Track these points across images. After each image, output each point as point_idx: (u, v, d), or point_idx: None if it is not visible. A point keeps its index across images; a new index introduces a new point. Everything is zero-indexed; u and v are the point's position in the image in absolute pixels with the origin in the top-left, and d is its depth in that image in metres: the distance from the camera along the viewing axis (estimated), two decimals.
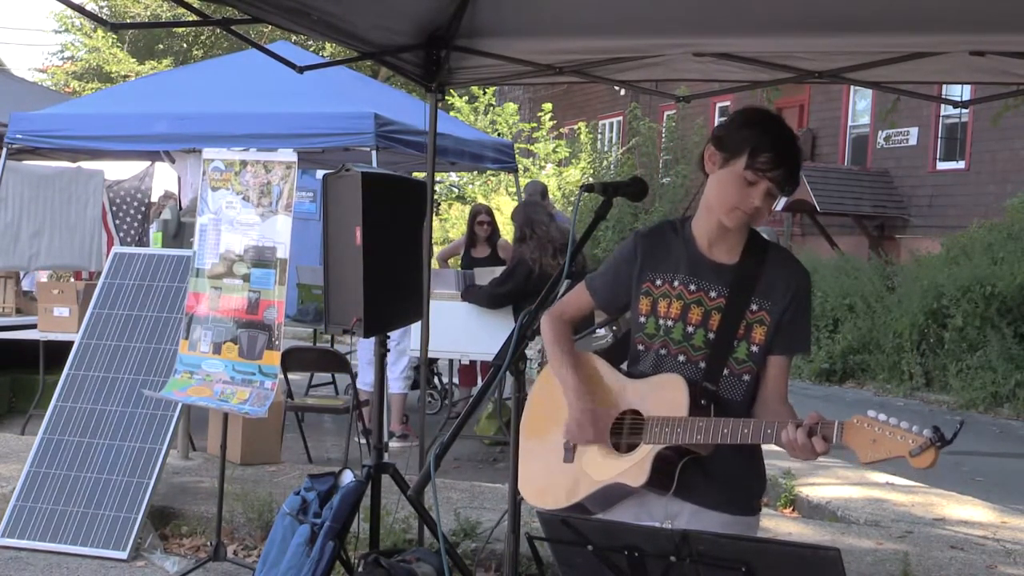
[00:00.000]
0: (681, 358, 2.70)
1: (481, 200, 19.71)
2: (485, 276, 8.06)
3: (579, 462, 2.74)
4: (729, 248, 2.72)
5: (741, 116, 2.70)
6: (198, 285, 5.05)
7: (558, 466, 2.77)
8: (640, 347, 2.78)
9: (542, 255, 7.36)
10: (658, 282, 2.75)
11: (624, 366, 2.85)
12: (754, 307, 2.68)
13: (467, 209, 20.15)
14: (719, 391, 2.67)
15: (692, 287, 2.71)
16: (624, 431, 2.69)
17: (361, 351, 8.08)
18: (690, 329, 2.69)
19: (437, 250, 11.12)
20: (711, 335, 2.68)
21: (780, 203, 17.10)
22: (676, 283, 2.72)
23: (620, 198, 2.69)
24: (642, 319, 2.76)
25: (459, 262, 9.49)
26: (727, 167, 2.63)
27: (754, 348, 2.69)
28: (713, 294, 2.70)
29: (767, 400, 2.71)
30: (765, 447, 2.67)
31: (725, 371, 2.68)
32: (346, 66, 8.12)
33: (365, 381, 7.53)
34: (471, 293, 7.67)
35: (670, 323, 2.71)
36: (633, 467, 2.63)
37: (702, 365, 2.68)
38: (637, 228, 2.62)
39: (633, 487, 2.64)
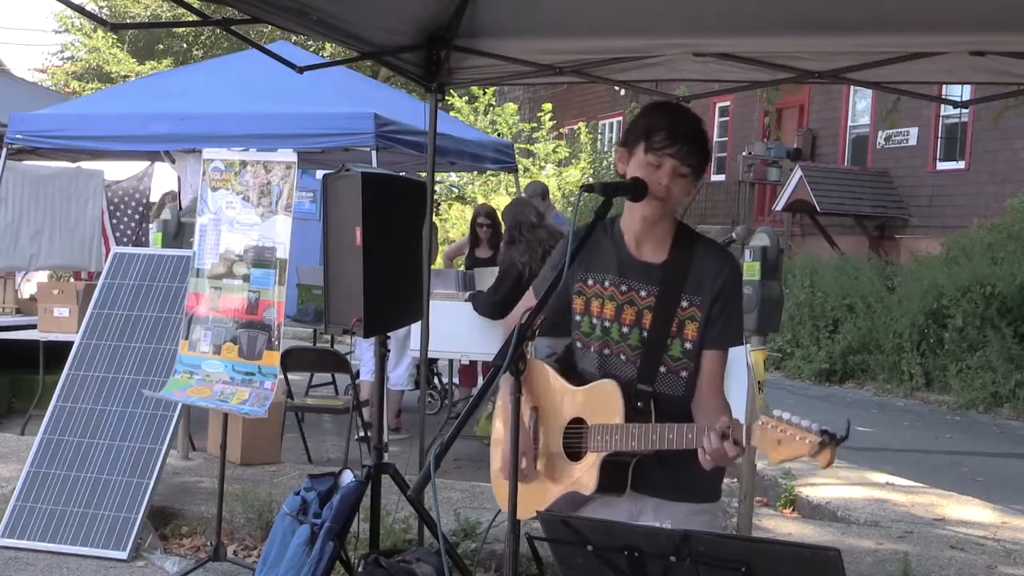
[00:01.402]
0: (622, 357, 2.73)
1: (481, 200, 19.70)
2: (486, 276, 8.04)
3: (541, 475, 2.78)
4: (657, 245, 2.74)
5: (639, 111, 2.77)
6: (198, 285, 5.05)
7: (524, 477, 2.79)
8: (579, 344, 2.82)
9: (531, 258, 7.22)
10: (590, 282, 2.79)
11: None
12: (684, 304, 2.70)
13: (467, 209, 20.17)
14: (655, 390, 2.69)
15: (623, 288, 2.74)
16: (576, 438, 2.72)
17: (362, 349, 8.07)
18: (625, 329, 2.73)
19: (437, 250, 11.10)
20: (645, 334, 2.71)
21: (780, 203, 17.13)
22: (607, 284, 2.76)
23: (620, 198, 2.69)
24: (577, 317, 2.81)
25: (461, 262, 9.49)
26: (632, 160, 2.68)
27: (688, 345, 2.71)
28: (643, 293, 2.72)
29: (701, 395, 2.72)
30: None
31: (662, 368, 2.70)
32: (346, 66, 8.12)
33: (366, 374, 7.51)
34: (475, 301, 7.62)
35: (607, 324, 2.75)
36: (582, 476, 2.67)
37: (639, 363, 2.71)
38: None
39: (585, 495, 2.67)
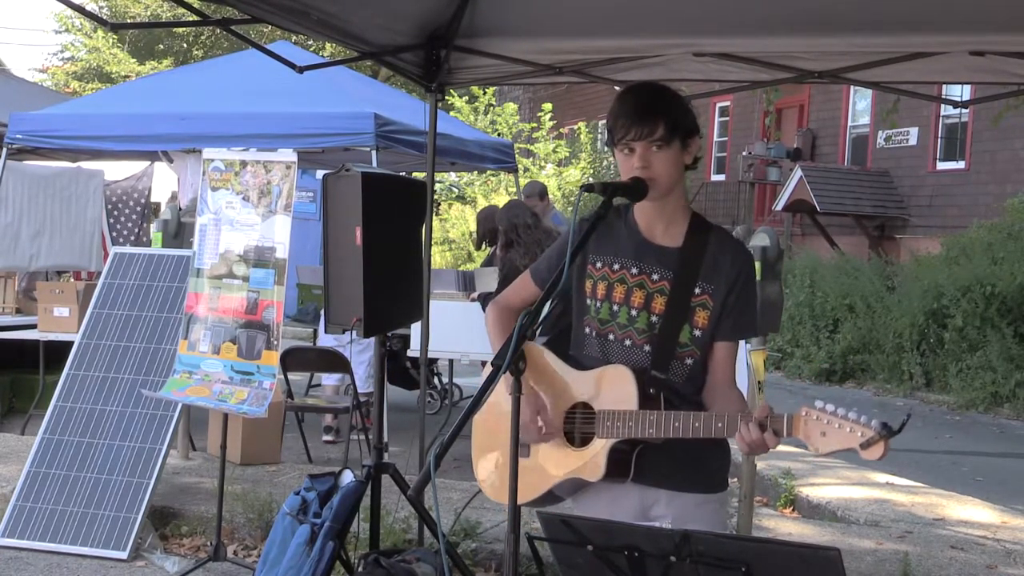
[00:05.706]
0: (627, 342, 2.71)
1: (481, 200, 19.71)
2: (486, 276, 8.04)
3: (535, 456, 2.75)
4: (670, 230, 2.75)
5: None
6: (198, 285, 5.05)
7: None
8: (587, 329, 2.79)
9: (531, 260, 7.16)
10: (599, 264, 2.78)
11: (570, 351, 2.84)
12: (697, 291, 2.70)
13: (467, 209, 20.18)
14: (668, 378, 2.67)
15: (634, 270, 2.73)
16: (576, 423, 2.70)
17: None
18: (633, 312, 2.71)
19: (437, 250, 11.09)
20: (654, 318, 2.70)
21: (780, 203, 17.13)
22: (616, 267, 2.75)
23: (620, 198, 2.70)
24: (587, 301, 2.79)
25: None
26: (616, 156, 2.73)
27: (697, 332, 2.70)
28: (656, 277, 2.72)
29: (716, 386, 2.72)
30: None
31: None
32: (346, 66, 8.12)
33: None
34: (485, 303, 7.59)
35: (615, 307, 2.73)
36: (588, 463, 2.65)
37: (647, 348, 2.69)
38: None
39: (590, 482, 2.66)
